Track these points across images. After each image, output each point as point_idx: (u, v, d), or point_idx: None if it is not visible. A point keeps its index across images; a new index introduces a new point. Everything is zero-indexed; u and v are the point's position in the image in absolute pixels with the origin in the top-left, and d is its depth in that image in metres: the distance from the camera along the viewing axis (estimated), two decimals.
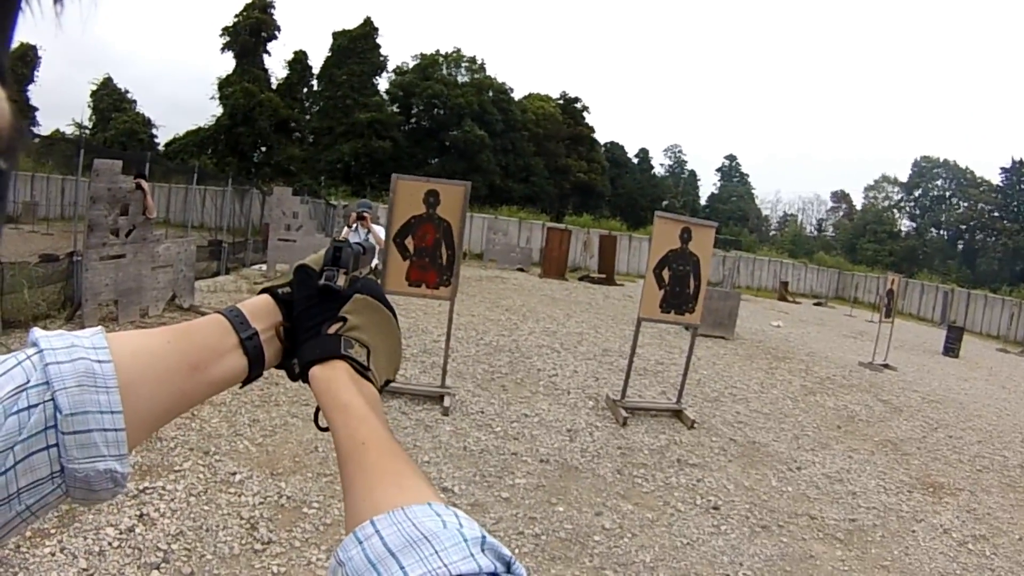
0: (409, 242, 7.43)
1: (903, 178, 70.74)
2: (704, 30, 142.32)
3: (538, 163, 55.14)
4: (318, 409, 0.76)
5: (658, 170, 73.88)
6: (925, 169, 68.51)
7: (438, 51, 57.19)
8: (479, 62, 58.05)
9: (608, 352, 12.19)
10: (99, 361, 0.59)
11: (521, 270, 27.92)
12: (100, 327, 0.65)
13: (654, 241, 8.21)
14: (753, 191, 78.25)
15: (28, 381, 0.56)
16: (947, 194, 67.00)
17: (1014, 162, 62.24)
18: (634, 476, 6.58)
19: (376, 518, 0.54)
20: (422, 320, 12.31)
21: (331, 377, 0.76)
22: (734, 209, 71.96)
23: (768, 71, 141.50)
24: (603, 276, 28.17)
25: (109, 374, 0.59)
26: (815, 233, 79.07)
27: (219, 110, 50.17)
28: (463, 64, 57.76)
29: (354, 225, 9.44)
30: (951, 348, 21.90)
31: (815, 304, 37.05)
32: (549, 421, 7.75)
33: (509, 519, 5.10)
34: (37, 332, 0.61)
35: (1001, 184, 62.86)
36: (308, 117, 53.47)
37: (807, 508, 6.66)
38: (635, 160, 69.96)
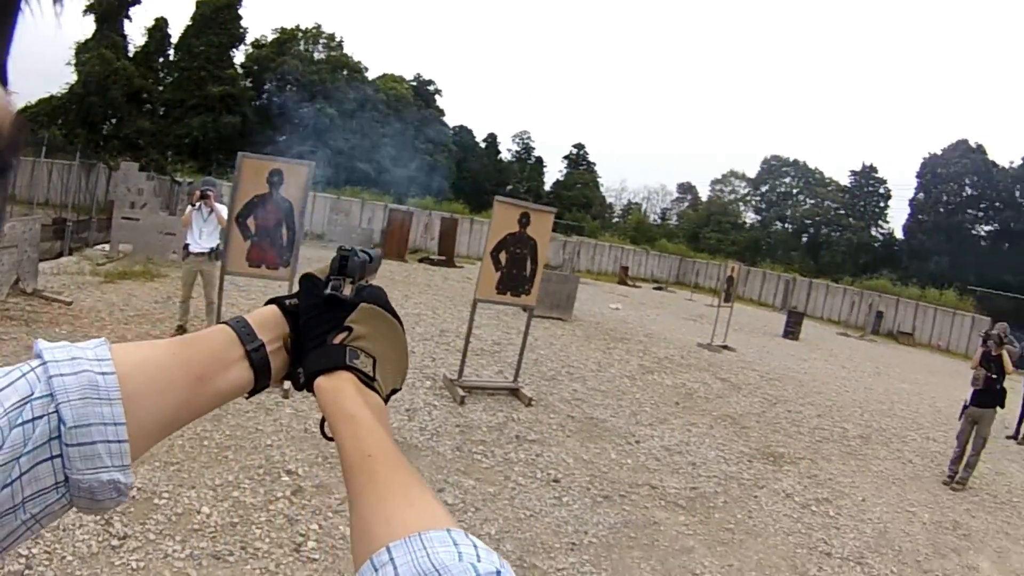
0: (251, 222, 7.53)
1: (752, 175, 75.88)
2: (558, 19, 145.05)
3: (385, 144, 55.28)
4: (323, 419, 0.78)
5: (505, 155, 75.43)
6: (774, 167, 73.49)
7: (298, 26, 56.91)
8: (337, 39, 58.23)
9: (446, 333, 12.33)
10: (102, 373, 0.63)
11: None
12: (103, 338, 0.68)
13: (493, 224, 8.62)
14: (599, 180, 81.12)
15: (32, 393, 0.60)
16: (794, 191, 72.37)
17: (864, 166, 69.01)
18: (473, 453, 6.75)
19: (392, 545, 0.55)
20: (261, 302, 11.65)
21: (337, 388, 0.78)
22: (579, 196, 74.14)
23: (620, 64, 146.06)
24: (443, 258, 28.86)
25: (112, 386, 0.63)
26: (659, 222, 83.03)
27: (74, 77, 47.23)
28: (321, 41, 57.76)
29: (197, 204, 9.23)
30: (791, 331, 23.95)
31: (655, 288, 39.29)
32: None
33: None
34: (41, 344, 0.64)
35: (849, 185, 69.44)
36: (162, 88, 51.29)
37: (648, 478, 7.01)
38: (483, 145, 71.55)
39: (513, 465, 6.60)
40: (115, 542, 4.09)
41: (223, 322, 0.82)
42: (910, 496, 8.13)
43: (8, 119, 0.48)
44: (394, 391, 0.87)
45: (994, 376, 9.00)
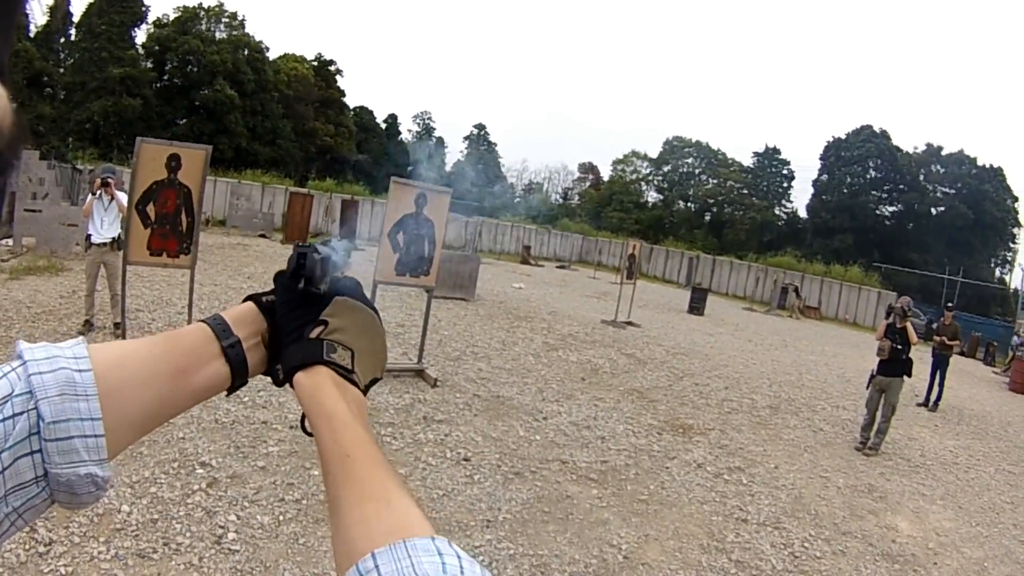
0: (151, 209, 7.62)
1: (653, 155, 77.52)
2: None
3: (286, 126, 55.58)
4: (304, 415, 0.80)
5: (406, 136, 75.85)
6: (676, 147, 75.29)
7: (200, 4, 55.39)
8: (240, 18, 57.11)
9: None
10: (79, 370, 0.66)
11: (263, 236, 28.29)
12: (81, 338, 0.72)
13: (389, 206, 8.81)
14: (500, 159, 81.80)
15: (13, 391, 0.63)
16: (697, 171, 74.61)
17: (767, 148, 72.10)
18: (382, 435, 6.78)
19: (377, 552, 0.57)
20: (166, 292, 12.14)
21: (315, 384, 0.79)
22: (479, 176, 74.88)
23: (519, 42, 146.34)
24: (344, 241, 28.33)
25: (89, 382, 0.66)
26: (560, 201, 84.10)
27: None
28: (223, 20, 56.42)
29: (98, 192, 9.10)
30: (696, 307, 24.63)
31: (558, 267, 39.88)
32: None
33: (269, 487, 5.31)
34: (22, 344, 0.67)
35: (752, 166, 72.44)
36: (62, 71, 48.85)
37: (557, 454, 7.11)
38: (383, 125, 71.78)
39: (423, 446, 6.68)
40: (41, 548, 4.13)
41: (201, 320, 0.84)
42: (823, 462, 8.42)
43: (8, 117, 0.49)
44: (374, 380, 0.89)
45: (899, 347, 9.38)
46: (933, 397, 13.76)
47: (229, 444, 6.00)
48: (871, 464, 8.77)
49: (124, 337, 7.67)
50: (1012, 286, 56.20)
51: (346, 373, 0.81)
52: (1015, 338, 28.41)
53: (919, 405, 13.68)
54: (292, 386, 0.82)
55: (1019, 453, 11.32)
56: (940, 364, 13.81)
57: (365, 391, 0.85)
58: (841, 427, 10.40)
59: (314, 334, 0.84)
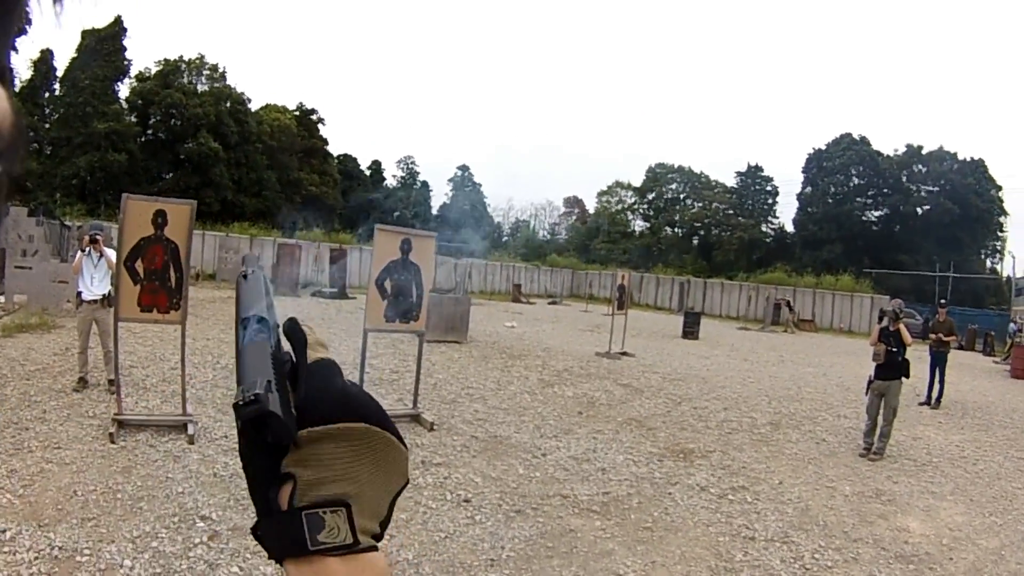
0: (139, 265, 7.60)
1: (637, 183, 78.37)
2: (431, 39, 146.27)
3: (271, 177, 56.14)
4: None
5: (390, 181, 76.73)
6: (659, 174, 76.49)
7: (181, 57, 56.20)
8: (221, 70, 57.83)
9: (343, 366, 11.78)
10: None
11: None
12: None
13: (375, 253, 8.85)
14: (486, 199, 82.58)
15: None
16: (681, 196, 75.76)
17: (749, 166, 73.32)
18: None
19: None
20: (159, 347, 12.07)
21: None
22: (466, 217, 75.61)
23: (498, 83, 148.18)
24: (335, 290, 28.88)
25: None
26: (548, 237, 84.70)
27: None
28: (205, 71, 57.23)
29: (87, 249, 9.14)
30: (689, 331, 24.67)
31: (550, 303, 40.16)
32: None
33: None
34: None
35: (736, 186, 73.47)
36: (48, 125, 49.10)
37: (558, 489, 7.05)
38: (368, 172, 72.66)
39: (422, 490, 6.61)
40: None
41: None
42: (828, 472, 8.38)
43: (8, 120, 0.47)
44: (401, 490, 0.66)
45: (894, 349, 9.40)
46: (934, 395, 13.80)
47: (228, 497, 5.98)
48: (877, 468, 8.74)
49: (119, 394, 7.73)
50: (1004, 274, 56.57)
51: (348, 549, 0.59)
52: (1012, 325, 28.59)
53: (921, 404, 13.69)
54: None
55: None
56: (938, 361, 13.85)
57: (386, 523, 0.64)
58: (844, 436, 10.37)
59: (283, 499, 0.60)
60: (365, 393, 0.68)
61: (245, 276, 0.75)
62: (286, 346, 0.69)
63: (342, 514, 0.59)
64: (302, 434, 0.61)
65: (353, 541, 0.59)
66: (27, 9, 0.50)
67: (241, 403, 0.57)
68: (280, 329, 0.69)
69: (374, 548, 0.61)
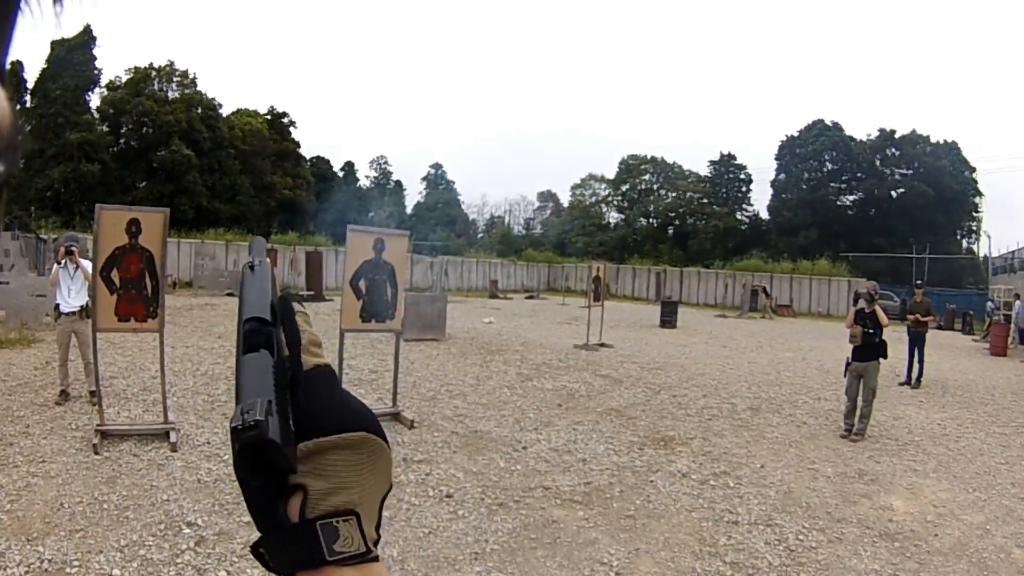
0: (115, 275, 7.64)
1: (610, 176, 78.53)
2: (401, 37, 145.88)
3: (244, 182, 56.03)
4: None
5: (364, 182, 76.79)
6: (632, 166, 76.49)
7: (151, 64, 55.82)
8: (191, 76, 57.61)
9: None
10: None
11: (231, 295, 28.35)
12: None
13: (348, 254, 8.87)
14: (459, 197, 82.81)
15: None
16: (655, 187, 75.88)
17: (721, 155, 73.55)
18: None
19: None
20: (139, 357, 12.10)
21: None
22: (441, 216, 75.92)
23: (468, 79, 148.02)
24: (311, 293, 29.09)
25: None
26: (523, 232, 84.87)
27: None
28: (175, 78, 56.95)
29: (63, 261, 9.16)
30: (667, 320, 24.89)
31: (527, 298, 40.36)
32: None
33: None
34: None
35: (710, 175, 73.64)
36: (20, 138, 48.60)
37: (540, 481, 7.07)
38: (341, 174, 72.55)
39: (404, 487, 6.64)
40: None
41: None
42: (810, 455, 8.43)
43: (7, 120, 0.47)
44: (385, 496, 0.67)
45: (871, 331, 9.47)
46: (914, 374, 13.93)
47: (213, 502, 6.01)
48: (858, 449, 8.79)
49: (100, 405, 7.74)
50: (981, 254, 57.26)
51: (362, 557, 0.60)
52: (989, 304, 28.90)
53: (902, 384, 13.82)
54: None
55: (1008, 414, 11.50)
56: (916, 341, 13.98)
57: (378, 527, 0.65)
58: (824, 418, 10.44)
59: (293, 511, 0.59)
60: (360, 401, 0.67)
61: (252, 267, 0.72)
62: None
63: (353, 522, 0.60)
64: (311, 445, 0.61)
65: (366, 549, 0.60)
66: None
67: (240, 427, 0.54)
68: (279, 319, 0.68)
69: (377, 557, 0.62)
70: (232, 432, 0.55)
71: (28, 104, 50.24)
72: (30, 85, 49.89)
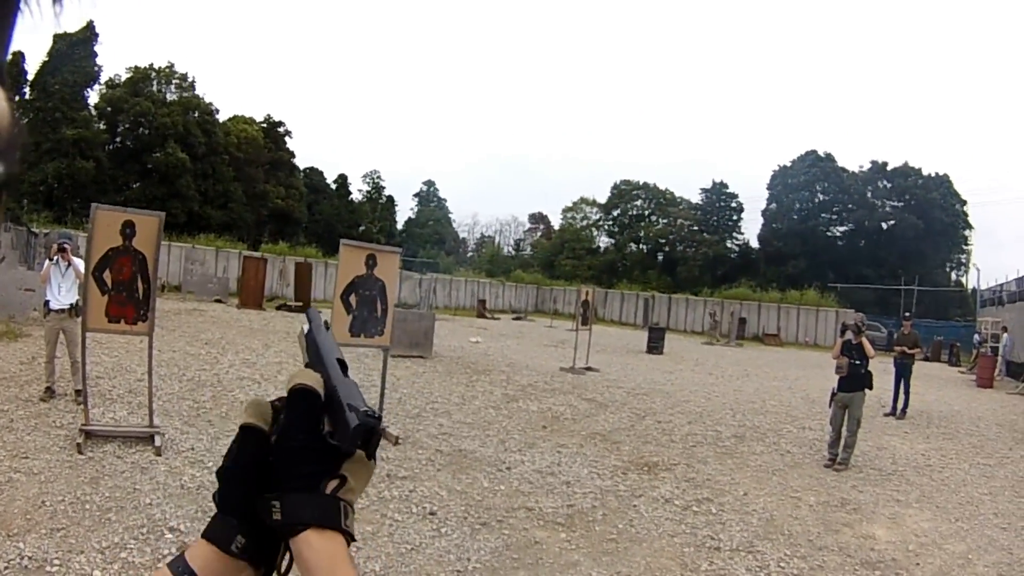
0: (107, 276, 7.63)
1: (602, 200, 78.97)
2: (401, 55, 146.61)
3: (237, 189, 56.09)
4: (291, 562, 0.78)
5: (356, 196, 77.01)
6: (624, 191, 77.31)
7: (151, 65, 55.81)
8: (190, 79, 57.66)
9: None
10: None
11: (219, 301, 28.38)
12: None
13: (340, 268, 8.97)
14: (451, 215, 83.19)
15: None
16: (646, 212, 76.53)
17: (714, 183, 74.42)
18: None
19: None
20: (125, 358, 12.07)
21: (333, 553, 0.74)
22: (431, 233, 76.66)
23: (464, 98, 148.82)
24: (300, 304, 28.98)
25: None
26: (513, 253, 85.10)
27: None
28: (174, 81, 56.98)
29: (55, 258, 9.24)
30: (654, 346, 24.97)
31: (514, 319, 40.47)
32: None
33: None
34: None
35: (701, 203, 74.52)
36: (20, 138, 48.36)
37: (523, 501, 7.10)
38: (333, 186, 72.86)
39: (388, 503, 6.67)
40: None
41: (167, 564, 0.82)
42: (793, 483, 8.49)
43: (7, 120, 0.49)
44: None
45: (857, 362, 9.58)
46: (900, 405, 14.06)
47: (196, 508, 6.01)
48: (842, 479, 8.86)
49: (86, 405, 7.74)
50: (969, 286, 57.64)
51: (351, 539, 0.77)
52: (976, 336, 29.11)
53: (887, 415, 13.92)
54: (288, 535, 0.76)
55: (992, 445, 11.60)
56: (903, 372, 14.11)
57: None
58: (808, 447, 10.51)
59: (330, 488, 0.78)
60: None
61: (327, 326, 1.01)
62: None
63: (351, 514, 0.78)
64: (360, 452, 0.82)
65: (353, 536, 0.78)
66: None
67: (372, 415, 0.81)
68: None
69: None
70: (362, 414, 0.81)
71: (27, 96, 49.91)
72: (30, 77, 49.55)
